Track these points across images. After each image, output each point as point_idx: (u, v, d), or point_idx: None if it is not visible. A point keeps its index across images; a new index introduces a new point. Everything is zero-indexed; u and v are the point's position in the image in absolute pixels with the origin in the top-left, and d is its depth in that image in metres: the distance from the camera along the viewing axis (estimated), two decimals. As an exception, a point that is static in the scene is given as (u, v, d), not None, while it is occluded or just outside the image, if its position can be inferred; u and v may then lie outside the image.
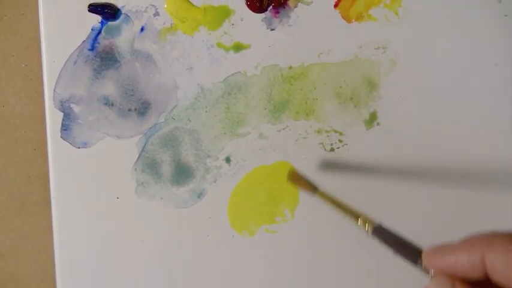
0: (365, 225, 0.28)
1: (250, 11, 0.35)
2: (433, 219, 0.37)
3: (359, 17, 0.35)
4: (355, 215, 0.30)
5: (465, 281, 0.21)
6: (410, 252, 0.25)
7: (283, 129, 0.36)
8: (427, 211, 0.37)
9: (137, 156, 0.36)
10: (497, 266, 0.20)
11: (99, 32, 0.35)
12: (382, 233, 0.27)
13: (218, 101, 0.36)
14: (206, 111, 0.36)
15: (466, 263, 0.21)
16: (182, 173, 0.36)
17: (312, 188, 0.33)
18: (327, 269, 0.38)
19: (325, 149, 0.37)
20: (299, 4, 0.35)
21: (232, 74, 0.36)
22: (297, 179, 0.35)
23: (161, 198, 0.37)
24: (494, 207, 0.37)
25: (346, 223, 0.38)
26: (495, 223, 0.37)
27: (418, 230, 0.38)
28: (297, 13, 0.35)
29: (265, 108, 0.36)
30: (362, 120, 0.36)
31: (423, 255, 0.23)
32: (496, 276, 0.20)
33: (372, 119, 0.36)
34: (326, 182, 0.37)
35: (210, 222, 0.37)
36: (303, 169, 0.37)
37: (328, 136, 0.36)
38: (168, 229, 0.37)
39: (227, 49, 0.35)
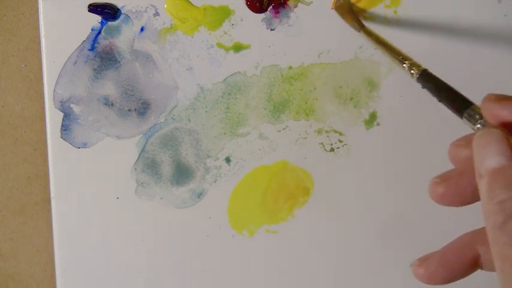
0: (411, 69, 0.26)
1: (250, 11, 0.35)
2: (433, 219, 0.37)
3: (359, 14, 0.35)
4: (402, 58, 0.27)
5: None
6: (457, 101, 0.23)
7: (283, 129, 0.36)
8: (427, 211, 0.37)
9: (137, 156, 0.36)
10: None
11: (99, 32, 0.35)
12: (429, 79, 0.25)
13: (218, 101, 0.36)
14: (206, 111, 0.36)
15: None
16: (182, 173, 0.36)
17: (359, 25, 0.31)
18: (326, 269, 0.38)
19: (325, 149, 0.37)
20: (299, 4, 0.35)
21: (232, 74, 0.36)
22: (346, 11, 0.33)
23: (161, 198, 0.37)
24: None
25: (346, 223, 0.38)
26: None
27: (418, 229, 0.38)
28: (297, 13, 0.35)
29: (265, 109, 0.36)
30: (362, 120, 0.36)
31: (484, 103, 0.20)
32: None
33: (372, 119, 0.36)
34: (326, 181, 0.37)
35: (210, 222, 0.37)
36: (302, 169, 0.37)
37: (328, 136, 0.36)
38: (168, 229, 0.37)
39: (227, 49, 0.35)
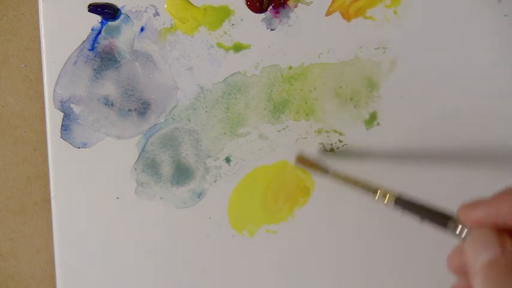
0: (385, 198, 0.27)
1: (250, 11, 0.35)
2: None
3: (358, 13, 0.35)
4: (373, 189, 0.29)
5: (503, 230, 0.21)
6: (438, 215, 0.24)
7: (283, 129, 0.36)
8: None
9: (137, 156, 0.36)
10: None
11: (99, 32, 0.35)
12: (405, 202, 0.26)
13: (218, 101, 0.36)
14: (206, 112, 0.36)
15: (508, 212, 0.20)
16: (182, 173, 0.36)
17: (323, 170, 0.33)
18: (327, 269, 0.38)
19: (325, 149, 0.37)
20: (299, 4, 0.35)
21: (232, 74, 0.36)
22: (306, 163, 0.34)
23: (161, 198, 0.37)
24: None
25: (346, 223, 0.38)
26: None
27: (418, 229, 0.38)
28: (297, 13, 0.35)
29: (265, 109, 0.36)
30: (362, 120, 0.36)
31: (459, 211, 0.22)
32: None
33: (371, 119, 0.36)
34: (326, 181, 0.37)
35: (210, 222, 0.37)
36: (302, 169, 0.37)
37: (328, 136, 0.36)
38: (168, 229, 0.37)
39: (227, 49, 0.35)
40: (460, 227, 0.23)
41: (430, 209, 0.25)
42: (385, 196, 0.27)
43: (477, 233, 0.21)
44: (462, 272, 0.22)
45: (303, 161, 0.35)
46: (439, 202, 0.37)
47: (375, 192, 0.28)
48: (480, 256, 0.20)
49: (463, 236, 0.22)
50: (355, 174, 0.31)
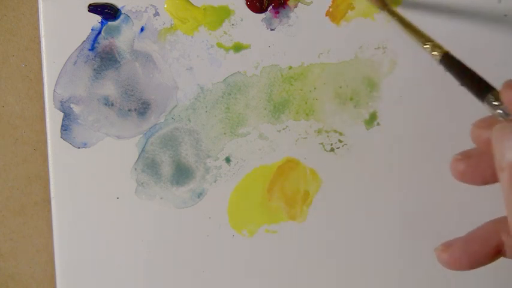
0: (433, 51, 0.26)
1: (250, 11, 0.35)
2: (434, 218, 0.37)
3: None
4: (425, 39, 0.27)
5: None
6: (478, 84, 0.23)
7: (283, 129, 0.36)
8: (428, 210, 0.37)
9: (137, 156, 0.36)
10: None
11: (99, 32, 0.35)
12: (451, 62, 0.25)
13: (218, 101, 0.36)
14: (206, 112, 0.36)
15: None
16: (182, 173, 0.36)
17: (382, 4, 0.31)
18: (327, 269, 0.38)
19: (325, 149, 0.37)
20: (299, 4, 0.35)
21: (232, 74, 0.36)
22: None
23: (161, 198, 0.37)
24: (496, 212, 0.37)
25: (346, 223, 0.38)
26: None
27: (418, 229, 0.38)
28: (297, 13, 0.35)
29: (265, 109, 0.36)
30: (362, 120, 0.36)
31: (502, 87, 0.21)
32: None
33: (372, 119, 0.36)
34: (326, 181, 0.37)
35: (210, 222, 0.37)
36: (303, 168, 0.37)
37: (328, 136, 0.36)
38: (168, 229, 0.37)
39: (227, 49, 0.35)
40: (498, 104, 0.21)
41: (474, 74, 0.23)
42: (434, 49, 0.26)
43: (505, 128, 0.19)
44: (485, 145, 0.21)
45: None
46: (440, 202, 0.37)
47: (425, 42, 0.27)
48: (507, 154, 0.19)
49: (497, 112, 0.21)
50: (412, 22, 0.29)
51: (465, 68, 0.24)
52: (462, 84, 0.24)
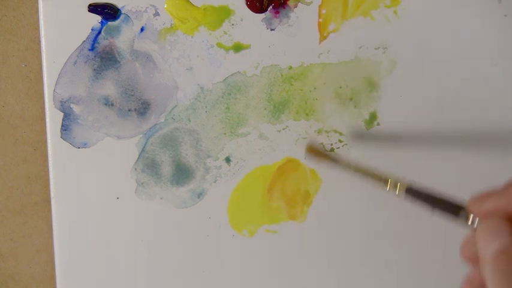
0: (396, 188, 0.27)
1: (250, 11, 0.35)
2: (433, 218, 0.37)
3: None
4: (383, 179, 0.28)
5: None
6: (448, 205, 0.24)
7: (283, 129, 0.36)
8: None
9: (137, 156, 0.36)
10: None
11: (99, 32, 0.35)
12: (416, 192, 0.26)
13: (218, 101, 0.36)
14: (206, 111, 0.36)
15: None
16: (182, 173, 0.36)
17: (334, 160, 0.33)
18: (327, 269, 0.38)
19: (325, 149, 0.37)
20: (299, 4, 0.35)
21: (232, 74, 0.36)
22: (316, 153, 0.34)
23: (161, 198, 0.37)
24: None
25: (346, 223, 0.38)
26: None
27: (418, 229, 0.38)
28: (297, 13, 0.35)
29: (265, 109, 0.36)
30: (362, 120, 0.36)
31: (469, 203, 0.23)
32: None
33: (371, 119, 0.36)
34: (326, 181, 0.37)
35: (210, 222, 0.37)
36: (303, 168, 0.37)
37: (328, 136, 0.36)
38: (168, 229, 0.37)
39: (227, 49, 0.35)
40: (471, 217, 0.23)
41: (441, 198, 0.24)
42: (396, 186, 0.27)
43: (487, 223, 0.21)
44: (475, 260, 0.22)
45: (313, 151, 0.35)
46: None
47: (385, 182, 0.28)
48: (490, 245, 0.20)
49: (474, 226, 0.23)
50: (365, 165, 0.31)
51: (431, 195, 0.25)
52: (433, 210, 0.25)
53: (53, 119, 0.36)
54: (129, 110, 0.36)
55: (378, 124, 0.36)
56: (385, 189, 0.28)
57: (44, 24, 0.35)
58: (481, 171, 0.37)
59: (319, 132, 0.36)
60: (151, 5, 0.35)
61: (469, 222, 0.23)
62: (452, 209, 0.24)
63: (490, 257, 0.20)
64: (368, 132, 0.36)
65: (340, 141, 0.36)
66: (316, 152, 0.35)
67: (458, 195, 0.37)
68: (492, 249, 0.20)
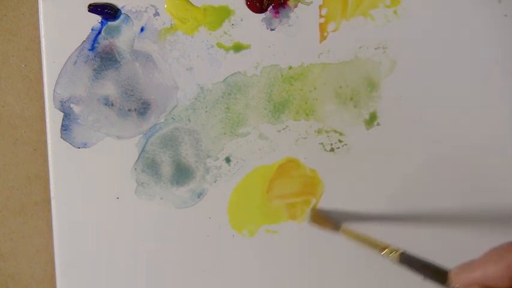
0: (391, 255, 0.30)
1: (250, 11, 0.35)
2: (433, 218, 0.37)
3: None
4: (380, 247, 0.31)
5: None
6: (438, 274, 0.26)
7: (283, 129, 0.36)
8: (428, 211, 0.37)
9: (137, 156, 0.36)
10: None
11: (99, 32, 0.35)
12: (409, 260, 0.29)
13: (218, 101, 0.36)
14: (206, 112, 0.36)
15: (494, 273, 0.22)
16: (182, 173, 0.36)
17: (335, 226, 0.35)
18: (327, 269, 0.38)
19: (325, 149, 0.37)
20: (299, 4, 0.35)
21: (232, 74, 0.36)
22: (319, 219, 0.36)
23: (161, 198, 0.37)
24: (498, 205, 0.37)
25: (346, 223, 0.38)
26: (500, 221, 0.37)
27: (418, 229, 0.38)
28: (297, 13, 0.35)
29: (265, 109, 0.36)
30: (362, 120, 0.36)
31: (451, 274, 0.24)
32: None
33: (372, 119, 0.36)
34: (326, 181, 0.37)
35: (210, 222, 0.37)
36: (303, 168, 0.37)
37: (328, 136, 0.36)
38: (168, 229, 0.37)
39: (227, 49, 0.35)
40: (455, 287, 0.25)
41: (430, 266, 0.27)
42: (391, 253, 0.30)
43: None
44: None
45: (316, 217, 0.36)
46: (439, 201, 0.37)
47: (382, 249, 0.31)
48: None
49: None
50: (364, 233, 0.33)
51: (423, 262, 0.28)
52: (424, 276, 0.27)
53: (53, 119, 0.36)
54: (129, 110, 0.36)
55: (378, 124, 0.36)
56: (381, 255, 0.31)
57: (44, 24, 0.35)
58: (481, 171, 0.37)
59: (319, 132, 0.36)
60: (151, 5, 0.35)
61: None
62: (440, 278, 0.26)
63: None
64: (368, 132, 0.36)
65: (340, 141, 0.36)
66: (318, 218, 0.36)
67: (458, 195, 0.37)
68: None
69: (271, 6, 0.35)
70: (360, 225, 0.38)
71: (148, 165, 0.36)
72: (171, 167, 0.36)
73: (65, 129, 0.36)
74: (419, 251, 0.38)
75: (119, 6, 0.35)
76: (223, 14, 0.35)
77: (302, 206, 0.37)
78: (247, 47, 0.35)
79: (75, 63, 0.35)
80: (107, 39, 0.35)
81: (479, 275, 0.23)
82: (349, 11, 0.35)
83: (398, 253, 0.29)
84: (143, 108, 0.36)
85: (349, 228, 0.34)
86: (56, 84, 0.35)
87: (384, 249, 0.31)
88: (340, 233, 0.34)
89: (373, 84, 0.36)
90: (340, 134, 0.36)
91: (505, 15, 0.35)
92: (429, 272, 0.27)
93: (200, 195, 0.37)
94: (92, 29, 0.35)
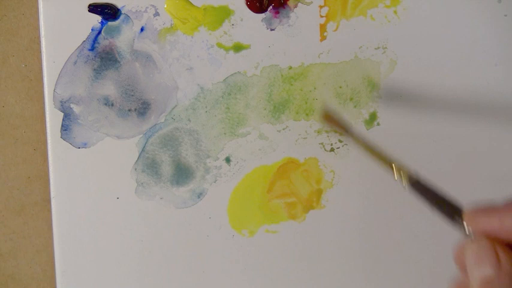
0: (400, 177, 0.26)
1: (250, 11, 0.35)
2: (432, 218, 0.37)
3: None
4: (389, 164, 0.27)
5: (506, 244, 0.21)
6: (449, 208, 0.24)
7: (283, 129, 0.36)
8: (427, 211, 0.37)
9: (137, 156, 0.36)
10: None
11: (99, 32, 0.35)
12: (420, 186, 0.25)
13: (218, 101, 0.36)
14: (206, 111, 0.36)
15: (510, 227, 0.20)
16: (182, 173, 0.36)
17: (346, 129, 0.32)
18: (327, 269, 0.38)
19: (325, 149, 0.37)
20: (299, 4, 0.35)
21: (232, 74, 0.36)
22: (331, 119, 0.33)
23: (161, 198, 0.37)
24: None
25: (346, 223, 0.38)
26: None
27: (418, 229, 0.38)
28: (297, 13, 0.35)
29: (265, 109, 0.36)
30: (362, 120, 0.36)
31: (465, 215, 0.22)
32: None
33: (372, 119, 0.36)
34: (326, 182, 0.37)
35: (210, 222, 0.37)
36: (303, 168, 0.37)
37: (328, 136, 0.36)
38: (168, 229, 0.37)
39: (227, 49, 0.35)
40: (466, 226, 0.22)
41: (443, 199, 0.24)
42: (401, 175, 0.26)
43: (476, 247, 0.21)
44: (464, 269, 0.22)
45: (328, 117, 0.33)
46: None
47: (392, 168, 0.27)
48: (476, 271, 0.20)
49: (468, 235, 0.22)
50: (377, 147, 0.30)
51: (435, 190, 0.25)
52: (431, 207, 0.24)
53: (53, 119, 0.36)
54: (129, 110, 0.36)
55: (378, 124, 0.36)
56: (392, 175, 0.27)
57: (44, 24, 0.35)
58: (480, 170, 0.37)
59: (319, 132, 0.36)
60: (151, 5, 0.35)
61: (466, 232, 0.23)
62: (451, 212, 0.23)
63: (476, 281, 0.20)
64: (368, 132, 0.36)
65: (340, 141, 0.36)
66: (331, 118, 0.33)
67: (458, 195, 0.37)
68: (478, 275, 0.20)
69: (271, 6, 0.35)
70: (360, 224, 0.38)
71: (148, 165, 0.36)
72: (171, 167, 0.36)
73: (65, 129, 0.36)
74: (420, 250, 0.38)
75: (119, 6, 0.35)
76: (223, 14, 0.35)
77: (302, 206, 0.37)
78: (247, 47, 0.35)
79: (75, 63, 0.35)
80: (107, 39, 0.35)
81: (497, 224, 0.21)
82: (349, 11, 0.35)
83: (410, 177, 0.26)
84: (143, 108, 0.36)
85: (360, 134, 0.31)
86: (56, 84, 0.35)
87: (393, 167, 0.27)
88: (350, 138, 0.31)
89: (373, 84, 0.36)
90: (340, 134, 0.36)
91: (505, 15, 0.35)
92: (440, 204, 0.24)
93: (200, 195, 0.37)
94: (92, 29, 0.35)
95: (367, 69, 0.36)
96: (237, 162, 0.37)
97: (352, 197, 0.37)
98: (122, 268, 0.37)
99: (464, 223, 0.22)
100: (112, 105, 0.36)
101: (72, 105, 0.36)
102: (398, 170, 0.27)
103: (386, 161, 0.28)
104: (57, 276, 0.37)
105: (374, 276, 0.38)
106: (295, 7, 0.35)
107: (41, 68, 0.35)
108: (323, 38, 0.35)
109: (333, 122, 0.33)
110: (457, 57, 0.36)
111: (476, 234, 0.22)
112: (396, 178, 0.27)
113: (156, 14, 0.35)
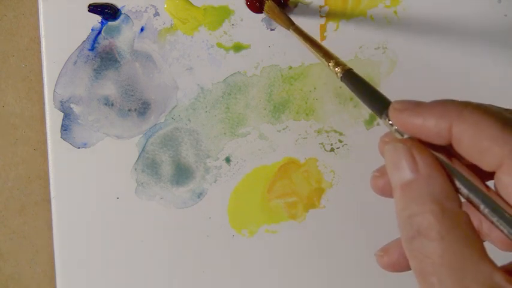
0: (335, 69, 0.26)
1: (250, 11, 0.35)
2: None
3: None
4: (327, 57, 0.27)
5: (432, 145, 0.20)
6: (378, 102, 0.23)
7: (283, 129, 0.36)
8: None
9: (137, 156, 0.36)
10: (463, 138, 0.19)
11: (99, 32, 0.35)
12: (352, 78, 0.25)
13: (218, 101, 0.36)
14: (206, 111, 0.36)
15: (433, 127, 0.19)
16: (182, 173, 0.36)
17: (288, 23, 0.31)
18: (327, 269, 0.38)
19: (325, 149, 0.37)
20: (299, 4, 0.35)
21: (232, 74, 0.36)
22: (274, 12, 0.33)
23: (161, 198, 0.37)
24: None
25: (346, 223, 0.38)
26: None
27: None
28: (297, 13, 0.35)
29: (265, 109, 0.36)
30: (362, 120, 0.36)
31: (390, 109, 0.21)
32: (460, 148, 0.19)
33: (372, 119, 0.36)
34: (326, 182, 0.37)
35: (210, 222, 0.37)
36: (304, 168, 0.37)
37: (328, 136, 0.36)
38: (168, 229, 0.37)
39: (227, 49, 0.35)
40: (389, 122, 0.21)
41: (373, 90, 0.23)
42: (336, 66, 0.26)
43: (392, 148, 0.20)
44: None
45: (271, 9, 0.33)
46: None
47: (328, 60, 0.27)
48: (395, 175, 0.20)
49: (394, 128, 0.21)
50: (319, 41, 0.30)
51: (365, 84, 0.24)
52: (363, 101, 0.24)
53: (53, 119, 0.36)
54: (129, 110, 0.36)
55: (378, 124, 0.36)
56: (328, 67, 0.27)
57: (44, 24, 0.35)
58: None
59: (319, 132, 0.36)
60: (151, 5, 0.35)
61: (390, 127, 0.21)
62: (380, 108, 0.22)
63: (395, 186, 0.20)
64: (368, 132, 0.36)
65: (340, 141, 0.36)
66: (273, 10, 0.33)
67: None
68: (396, 179, 0.20)
69: (271, 6, 0.35)
70: (361, 224, 0.38)
71: (148, 165, 0.36)
72: (171, 167, 0.36)
73: (65, 129, 0.36)
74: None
75: (119, 6, 0.35)
76: (223, 14, 0.35)
77: (302, 206, 0.37)
78: (247, 47, 0.35)
79: (75, 63, 0.35)
80: (107, 39, 0.35)
81: (419, 123, 0.20)
82: (349, 11, 0.35)
83: (345, 68, 0.25)
84: (143, 108, 0.36)
85: (301, 28, 0.30)
86: (56, 84, 0.35)
87: (331, 60, 0.27)
88: (291, 31, 0.31)
89: (373, 84, 0.36)
90: (340, 134, 0.36)
91: (505, 15, 0.35)
92: (370, 98, 0.23)
93: (200, 195, 0.37)
94: (92, 29, 0.35)
95: (367, 69, 0.36)
96: (237, 162, 0.37)
97: (352, 197, 0.37)
98: (122, 268, 0.37)
99: (388, 119, 0.21)
100: (112, 105, 0.36)
101: (72, 105, 0.36)
102: (336, 64, 0.26)
103: (326, 54, 0.28)
104: (57, 276, 0.37)
105: (374, 276, 0.38)
106: (295, 7, 0.35)
107: (41, 68, 0.35)
108: (323, 38, 0.35)
109: (275, 14, 0.33)
110: (457, 57, 0.36)
111: (402, 132, 0.21)
112: (331, 69, 0.26)
113: (156, 14, 0.35)
